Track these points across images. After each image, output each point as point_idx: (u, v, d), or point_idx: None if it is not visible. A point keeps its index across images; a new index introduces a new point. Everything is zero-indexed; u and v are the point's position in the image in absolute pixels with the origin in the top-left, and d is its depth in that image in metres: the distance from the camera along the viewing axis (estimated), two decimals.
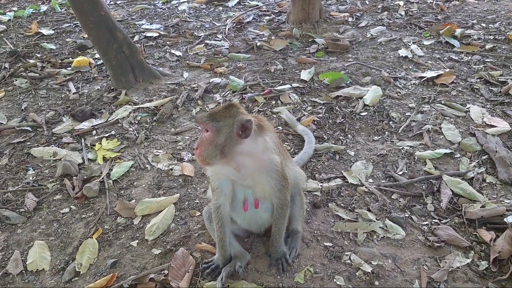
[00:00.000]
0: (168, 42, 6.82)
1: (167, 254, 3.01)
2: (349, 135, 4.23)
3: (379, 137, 4.18)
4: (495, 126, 4.16)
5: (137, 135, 4.39)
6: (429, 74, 5.20)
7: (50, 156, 4.13)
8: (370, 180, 3.62)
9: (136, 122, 4.67)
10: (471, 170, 3.61)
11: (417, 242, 3.01)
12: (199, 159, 2.48)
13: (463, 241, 2.96)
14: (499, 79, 5.05)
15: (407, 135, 4.18)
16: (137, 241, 3.14)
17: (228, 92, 5.12)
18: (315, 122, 4.41)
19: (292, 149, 4.06)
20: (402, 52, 5.86)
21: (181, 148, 4.19)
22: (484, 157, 3.77)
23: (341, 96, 4.87)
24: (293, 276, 2.80)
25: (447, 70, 5.29)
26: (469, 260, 2.84)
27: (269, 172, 2.63)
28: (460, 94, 4.83)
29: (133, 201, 3.53)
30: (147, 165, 3.96)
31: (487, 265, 2.79)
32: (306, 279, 2.78)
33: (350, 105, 4.71)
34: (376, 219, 3.20)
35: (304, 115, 4.57)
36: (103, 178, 3.77)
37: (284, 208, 2.80)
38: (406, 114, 4.50)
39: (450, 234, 3.02)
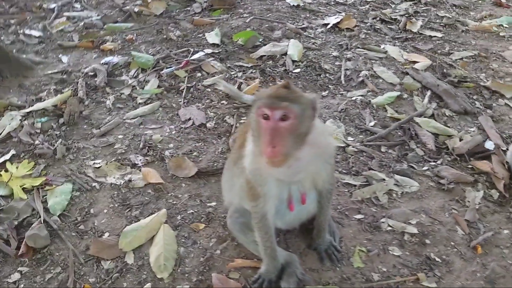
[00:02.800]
0: (11, 21, 5.27)
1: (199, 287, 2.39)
2: (323, 93, 3.97)
3: (326, 92, 4.03)
4: (418, 62, 4.41)
5: (51, 147, 3.32)
6: (331, 20, 5.19)
7: None
8: (350, 138, 3.48)
9: (38, 131, 3.53)
10: (429, 108, 3.77)
11: (432, 189, 3.03)
12: (278, 159, 1.90)
13: (468, 177, 3.09)
14: (392, 17, 5.35)
15: (351, 85, 4.13)
16: (150, 284, 2.41)
17: (136, 72, 4.26)
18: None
19: None
20: (291, 1, 5.71)
21: (123, 151, 3.34)
22: (428, 93, 3.97)
23: (264, 55, 4.51)
24: (350, 262, 2.54)
25: (343, 13, 5.37)
26: (481, 193, 2.98)
27: (327, 159, 2.24)
28: (368, 36, 4.97)
29: (107, 235, 2.69)
30: (93, 183, 3.05)
31: (498, 193, 2.98)
32: (364, 260, 2.55)
33: (279, 64, 4.41)
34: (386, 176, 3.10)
35: (241, 82, 4.10)
36: (43, 218, 2.76)
37: (332, 192, 2.48)
38: (336, 63, 4.42)
39: (453, 173, 3.12)
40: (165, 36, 4.81)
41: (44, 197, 2.93)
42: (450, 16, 5.40)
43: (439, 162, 3.25)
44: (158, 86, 4.03)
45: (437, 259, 2.55)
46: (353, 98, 3.92)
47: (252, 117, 2.02)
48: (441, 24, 5.23)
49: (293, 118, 1.90)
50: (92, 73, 4.22)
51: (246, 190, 2.26)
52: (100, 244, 2.59)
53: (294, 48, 4.57)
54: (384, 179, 3.06)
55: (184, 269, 2.49)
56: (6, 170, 3.10)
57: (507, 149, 3.27)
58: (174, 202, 2.92)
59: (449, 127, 3.58)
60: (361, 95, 3.96)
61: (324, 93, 4.02)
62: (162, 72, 4.17)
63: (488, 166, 3.14)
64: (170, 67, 4.25)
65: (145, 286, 2.39)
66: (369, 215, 2.83)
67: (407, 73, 4.25)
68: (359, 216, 2.81)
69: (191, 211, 2.85)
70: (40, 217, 2.77)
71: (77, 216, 2.82)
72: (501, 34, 5.03)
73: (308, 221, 2.58)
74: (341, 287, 2.38)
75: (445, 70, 4.31)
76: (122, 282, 2.43)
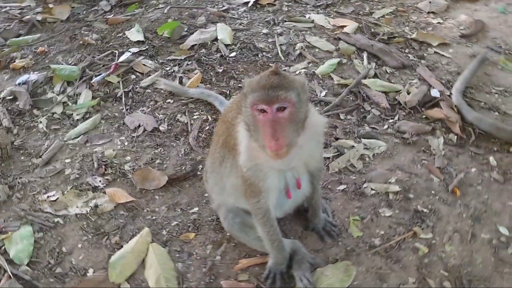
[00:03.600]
0: None
1: None
2: (242, 80, 3.86)
3: None
4: (345, 26, 4.50)
5: None
6: None
7: None
8: None
9: None
10: (370, 68, 3.87)
11: (398, 145, 3.14)
12: (282, 151, 1.81)
13: (425, 126, 3.25)
14: None
15: (290, 59, 4.10)
16: None
17: (61, 86, 3.84)
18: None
19: (209, 117, 3.46)
20: None
21: (77, 175, 3.01)
22: (365, 54, 4.08)
23: (195, 44, 4.31)
24: (349, 233, 2.56)
25: None
26: (442, 139, 3.15)
27: (319, 138, 2.19)
28: (290, 8, 4.95)
29: (91, 271, 2.42)
30: (55, 219, 2.72)
31: (456, 136, 3.16)
32: (361, 228, 2.58)
33: (212, 50, 4.24)
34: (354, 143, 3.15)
35: (180, 77, 3.88)
36: (10, 271, 2.41)
37: (322, 170, 2.45)
38: (270, 41, 4.36)
39: (412, 125, 3.26)
40: (81, 42, 4.39)
41: (3, 248, 2.56)
42: None
43: (396, 118, 3.37)
44: (93, 97, 3.68)
45: (424, 210, 2.67)
46: (297, 72, 3.90)
47: (246, 112, 1.90)
48: None
49: (291, 107, 1.82)
50: (10, 97, 3.73)
51: (243, 188, 2.15)
52: (89, 282, 2.33)
53: (223, 32, 4.42)
54: (353, 146, 3.11)
55: (189, 285, 2.33)
56: None
57: (451, 93, 3.48)
58: (154, 218, 2.71)
59: (393, 83, 3.72)
60: (304, 68, 3.96)
61: None
62: (92, 81, 3.81)
63: (440, 112, 3.31)
64: (99, 74, 3.89)
65: None
66: (351, 183, 2.86)
67: (339, 39, 4.32)
68: (342, 187, 2.84)
69: (175, 222, 2.67)
70: (5, 271, 2.41)
71: (49, 260, 2.49)
72: None
73: (300, 205, 2.54)
74: (349, 260, 2.39)
75: (372, 30, 4.45)
76: None
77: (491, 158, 2.98)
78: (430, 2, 4.78)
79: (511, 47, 4.09)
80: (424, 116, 3.36)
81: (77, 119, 3.50)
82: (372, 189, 2.81)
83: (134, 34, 4.46)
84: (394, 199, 2.74)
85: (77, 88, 3.78)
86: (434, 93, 3.50)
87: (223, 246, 2.51)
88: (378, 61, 4.00)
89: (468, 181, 2.85)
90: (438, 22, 4.52)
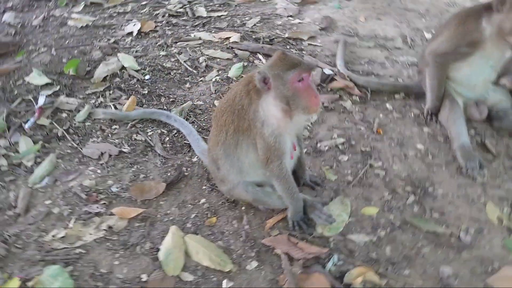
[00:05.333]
0: None
1: (264, 258, 2.70)
2: (170, 96, 4.23)
3: (189, 84, 4.42)
4: (230, 37, 5.22)
5: None
6: (132, 28, 5.38)
7: None
8: None
9: None
10: None
11: (324, 112, 3.98)
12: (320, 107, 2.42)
13: (334, 95, 4.18)
14: (177, 11, 5.94)
15: (201, 71, 4.61)
16: (232, 283, 2.56)
17: None
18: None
19: (162, 130, 3.77)
20: (75, 24, 5.56)
21: (69, 211, 3.01)
22: (259, 56, 4.87)
23: (107, 75, 4.47)
24: (328, 179, 3.26)
25: (135, 20, 5.63)
26: (349, 102, 4.12)
27: None
28: (173, 32, 5.41)
29: (145, 277, 2.59)
30: (77, 250, 2.74)
31: (357, 96, 4.17)
32: (334, 173, 3.32)
33: (126, 78, 4.47)
34: None
35: (111, 105, 4.05)
36: None
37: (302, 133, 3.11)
38: (172, 60, 4.78)
39: (325, 97, 4.14)
40: None
41: None
42: None
43: None
44: (34, 142, 3.59)
45: (367, 149, 3.54)
46: (213, 79, 4.46)
47: (283, 88, 2.43)
48: (217, 4, 6.15)
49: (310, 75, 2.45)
50: None
51: (266, 157, 2.64)
52: (155, 282, 2.51)
53: (127, 60, 4.67)
54: None
55: (237, 253, 2.71)
56: None
57: (338, 69, 4.50)
58: (171, 218, 2.96)
59: None
60: (217, 75, 4.53)
61: (188, 85, 4.40)
62: (25, 127, 3.69)
63: (339, 83, 4.28)
64: (26, 121, 3.78)
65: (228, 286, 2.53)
66: (308, 146, 3.56)
67: (231, 48, 5.02)
68: (304, 150, 3.51)
69: (193, 215, 2.97)
70: None
71: (96, 284, 2.54)
72: (261, 0, 6.31)
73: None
74: (340, 195, 3.10)
75: (253, 37, 5.27)
76: None
77: (387, 105, 4.06)
78: (285, 9, 5.86)
79: (358, 31, 5.38)
80: (330, 89, 4.28)
81: (31, 165, 3.39)
82: (324, 145, 3.57)
83: (37, 78, 4.36)
84: (344, 148, 3.55)
85: (10, 138, 3.62)
86: (327, 71, 4.47)
87: (245, 218, 2.94)
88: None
89: (382, 122, 3.85)
90: (299, 22, 5.60)
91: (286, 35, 5.25)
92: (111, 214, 2.96)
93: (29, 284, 2.53)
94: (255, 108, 2.61)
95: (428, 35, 5.29)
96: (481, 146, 3.63)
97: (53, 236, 2.82)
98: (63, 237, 2.81)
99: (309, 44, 5.11)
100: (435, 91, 3.83)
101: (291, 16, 5.78)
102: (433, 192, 3.18)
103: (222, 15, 5.83)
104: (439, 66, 3.76)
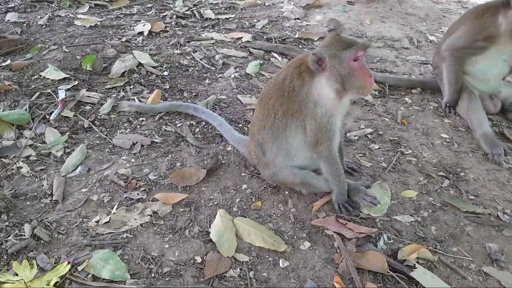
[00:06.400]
0: None
1: (316, 239, 2.71)
2: (192, 90, 4.23)
3: (208, 81, 4.44)
4: (242, 37, 5.28)
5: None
6: (142, 28, 5.39)
7: None
8: None
9: None
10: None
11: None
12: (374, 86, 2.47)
13: None
14: (184, 12, 5.97)
15: (218, 68, 4.64)
16: (287, 262, 2.55)
17: (14, 132, 3.51)
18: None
19: (191, 122, 3.75)
20: (82, 24, 5.51)
21: (109, 197, 2.94)
22: (274, 54, 4.94)
23: (125, 71, 4.43)
24: (363, 166, 3.32)
25: (144, 21, 5.63)
26: (370, 96, 4.22)
27: None
28: (184, 32, 5.45)
29: (199, 258, 2.55)
30: (124, 235, 2.67)
31: (376, 91, 4.28)
32: (368, 160, 3.38)
33: (144, 74, 4.45)
34: None
35: (134, 98, 4.01)
36: None
37: None
38: (188, 58, 4.80)
39: None
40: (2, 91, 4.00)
41: (90, 276, 2.42)
42: (223, 1, 6.46)
43: None
44: (60, 133, 3.51)
45: (395, 138, 3.63)
46: (232, 76, 4.49)
47: (340, 67, 2.48)
48: (223, 7, 6.23)
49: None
50: None
51: (317, 138, 2.67)
52: (212, 262, 2.47)
53: (144, 57, 4.66)
54: None
55: (288, 234, 2.71)
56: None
57: None
58: (216, 203, 2.93)
59: None
60: (235, 72, 4.57)
61: (207, 81, 4.41)
62: (50, 119, 3.61)
63: None
64: (51, 112, 3.70)
65: (285, 265, 2.52)
66: None
67: (245, 47, 5.07)
68: None
69: (237, 199, 2.96)
70: None
71: (149, 266, 2.48)
72: (266, 4, 6.43)
73: None
74: (378, 180, 3.16)
75: (265, 37, 5.35)
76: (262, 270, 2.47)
77: (406, 99, 4.18)
78: (291, 12, 5.98)
79: (364, 33, 5.54)
80: None
81: (61, 155, 3.31)
82: (354, 135, 3.64)
83: (53, 73, 4.28)
84: (373, 137, 3.63)
85: (35, 129, 3.52)
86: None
87: (290, 201, 2.95)
88: (287, 57, 4.90)
89: (405, 114, 3.96)
90: (307, 24, 5.73)
91: (297, 36, 5.35)
92: (154, 200, 2.90)
93: (79, 268, 2.44)
94: (307, 89, 2.64)
95: (431, 37, 5.51)
96: (500, 135, 3.77)
97: (97, 222, 2.74)
98: (107, 222, 2.74)
99: (318, 44, 5.21)
100: (453, 84, 3.98)
101: (298, 18, 5.90)
102: (465, 176, 3.27)
103: (230, 17, 5.91)
104: (456, 60, 3.92)
